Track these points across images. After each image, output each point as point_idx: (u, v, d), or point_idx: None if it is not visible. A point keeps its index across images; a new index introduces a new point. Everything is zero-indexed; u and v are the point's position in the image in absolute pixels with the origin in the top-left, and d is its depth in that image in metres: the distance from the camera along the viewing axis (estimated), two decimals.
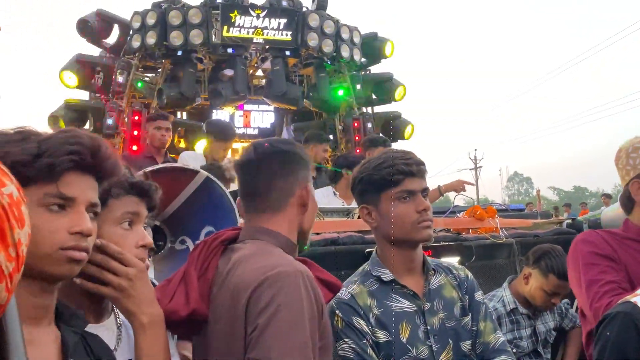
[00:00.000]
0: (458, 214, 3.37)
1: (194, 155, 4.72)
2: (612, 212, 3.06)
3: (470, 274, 1.86)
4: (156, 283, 1.67)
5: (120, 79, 6.63)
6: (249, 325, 1.15)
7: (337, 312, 1.62)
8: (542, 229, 3.45)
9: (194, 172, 2.16)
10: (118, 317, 1.25)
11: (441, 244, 2.89)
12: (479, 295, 1.81)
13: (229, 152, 4.71)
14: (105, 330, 1.16)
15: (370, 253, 1.84)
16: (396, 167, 1.67)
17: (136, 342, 1.13)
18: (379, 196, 1.69)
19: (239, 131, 7.48)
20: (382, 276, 1.70)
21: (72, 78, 6.69)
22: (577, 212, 14.42)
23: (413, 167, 1.69)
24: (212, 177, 2.17)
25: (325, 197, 3.84)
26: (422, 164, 1.74)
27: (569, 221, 3.62)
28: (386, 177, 1.67)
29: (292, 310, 1.14)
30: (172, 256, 2.16)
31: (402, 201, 1.67)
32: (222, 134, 4.50)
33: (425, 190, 1.73)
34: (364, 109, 7.87)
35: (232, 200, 2.20)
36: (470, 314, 1.75)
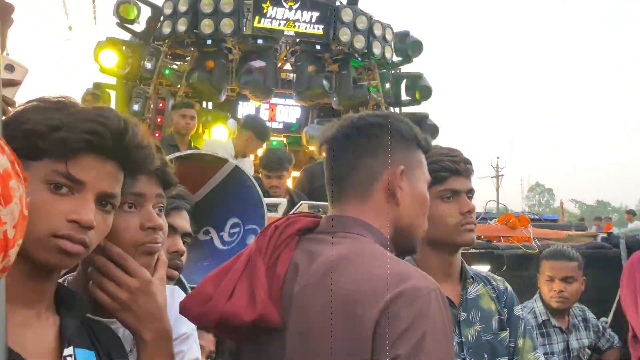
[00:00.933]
0: (490, 221, 3.28)
1: (222, 143, 4.70)
2: None
3: (509, 287, 1.77)
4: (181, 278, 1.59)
5: (148, 65, 6.60)
6: (383, 351, 0.92)
7: None
8: (576, 242, 3.34)
9: (223, 161, 2.09)
10: None
11: (471, 251, 2.80)
12: (518, 310, 1.72)
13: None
14: (122, 327, 1.05)
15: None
16: (441, 163, 1.57)
17: (138, 356, 1.01)
18: None
19: None
20: None
21: (111, 57, 6.38)
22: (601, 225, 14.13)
23: (460, 165, 1.60)
24: (241, 167, 2.10)
25: None
26: (469, 162, 1.65)
27: (605, 235, 3.50)
28: (430, 173, 1.58)
29: (438, 339, 0.93)
30: (195, 247, 2.09)
31: (445, 201, 1.58)
32: (262, 133, 4.57)
33: (470, 192, 1.64)
34: (392, 109, 7.75)
35: (260, 192, 2.13)
36: (508, 328, 1.66)
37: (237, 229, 2.11)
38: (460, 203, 1.58)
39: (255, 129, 4.49)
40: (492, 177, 37.01)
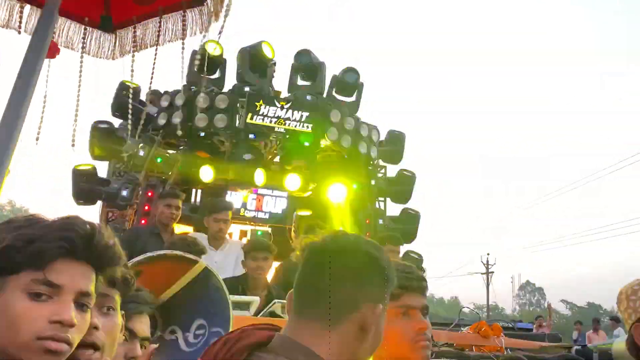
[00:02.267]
0: (463, 329, 3.27)
1: (199, 237, 4.75)
2: (624, 344, 2.93)
3: None
4: None
5: (141, 152, 6.78)
6: None
7: None
8: (549, 353, 3.31)
9: (193, 262, 2.13)
10: None
11: None
12: None
13: (224, 225, 4.79)
14: None
15: None
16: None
17: None
18: None
19: (250, 214, 7.50)
20: None
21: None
22: (588, 329, 13.86)
23: (413, 282, 1.65)
24: (211, 268, 2.15)
25: None
26: (424, 279, 1.70)
27: (579, 347, 3.48)
28: None
29: None
30: (160, 347, 2.09)
31: (398, 318, 1.61)
32: (209, 205, 5.02)
33: (425, 308, 1.68)
34: (377, 206, 7.89)
35: (228, 295, 2.15)
36: None
37: (202, 331, 2.12)
38: (414, 320, 1.61)
39: (209, 208, 4.86)
40: (482, 274, 36.62)
